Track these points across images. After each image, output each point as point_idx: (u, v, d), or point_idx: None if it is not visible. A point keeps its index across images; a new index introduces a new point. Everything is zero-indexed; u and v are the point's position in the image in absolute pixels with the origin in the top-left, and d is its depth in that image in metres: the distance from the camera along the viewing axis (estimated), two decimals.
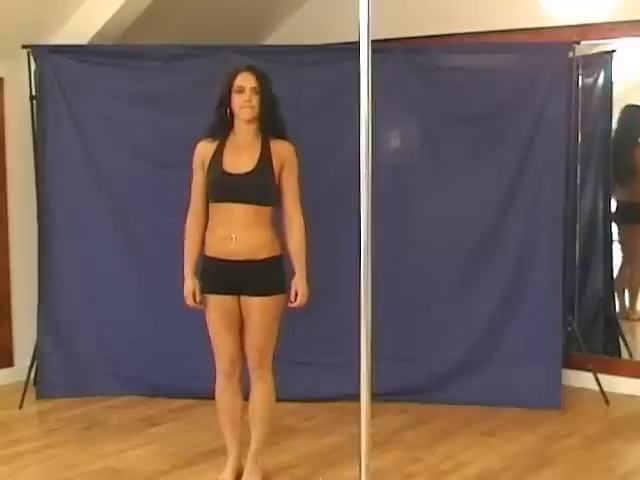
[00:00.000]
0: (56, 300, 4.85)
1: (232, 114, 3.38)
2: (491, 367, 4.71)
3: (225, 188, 3.35)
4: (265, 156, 3.35)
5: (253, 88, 3.32)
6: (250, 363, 3.56)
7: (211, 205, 3.41)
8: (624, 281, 5.48)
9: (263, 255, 3.39)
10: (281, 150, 3.38)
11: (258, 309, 3.43)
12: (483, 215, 4.74)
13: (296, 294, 3.43)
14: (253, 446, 3.62)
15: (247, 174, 3.32)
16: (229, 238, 3.34)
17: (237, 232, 3.33)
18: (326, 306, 4.40)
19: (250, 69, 3.36)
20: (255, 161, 3.34)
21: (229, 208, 3.33)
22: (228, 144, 3.40)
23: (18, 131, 5.01)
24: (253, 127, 3.38)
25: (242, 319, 3.48)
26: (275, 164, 3.36)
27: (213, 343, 3.53)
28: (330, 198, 4.64)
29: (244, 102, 3.32)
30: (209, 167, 3.40)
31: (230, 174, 3.34)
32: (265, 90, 3.33)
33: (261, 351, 3.52)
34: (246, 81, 3.34)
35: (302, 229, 3.45)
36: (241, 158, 3.36)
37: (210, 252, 3.43)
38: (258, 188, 3.33)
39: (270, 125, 3.37)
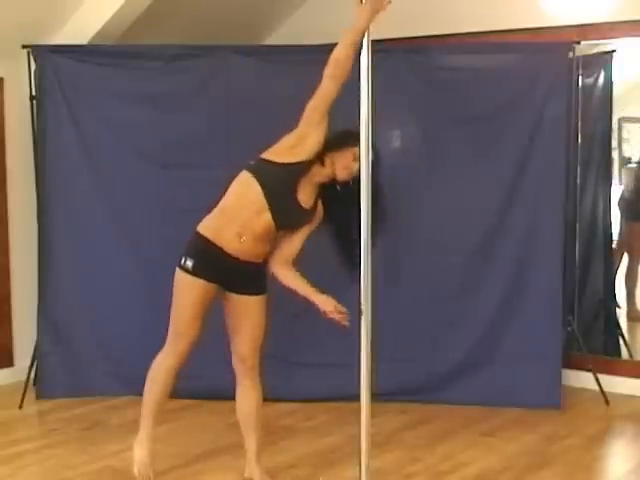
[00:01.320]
0: (56, 300, 4.85)
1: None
2: (491, 367, 4.71)
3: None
4: None
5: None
6: (243, 365, 3.56)
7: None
8: (633, 280, 5.49)
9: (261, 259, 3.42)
10: None
11: (257, 307, 3.44)
12: (483, 215, 4.74)
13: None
14: (254, 450, 3.62)
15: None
16: (240, 237, 3.32)
17: (248, 237, 3.32)
18: None
19: None
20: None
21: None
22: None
23: (18, 131, 5.02)
24: None
25: (228, 319, 3.49)
26: None
27: (178, 321, 3.46)
28: None
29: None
30: None
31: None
32: None
33: (257, 350, 3.54)
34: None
35: None
36: None
37: (218, 241, 3.36)
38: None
39: None
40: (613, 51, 5.07)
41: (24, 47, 4.71)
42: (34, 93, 4.81)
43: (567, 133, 4.70)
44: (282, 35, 5.79)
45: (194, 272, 3.34)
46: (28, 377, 4.78)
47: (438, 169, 4.76)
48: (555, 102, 4.61)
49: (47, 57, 4.76)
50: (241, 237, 3.31)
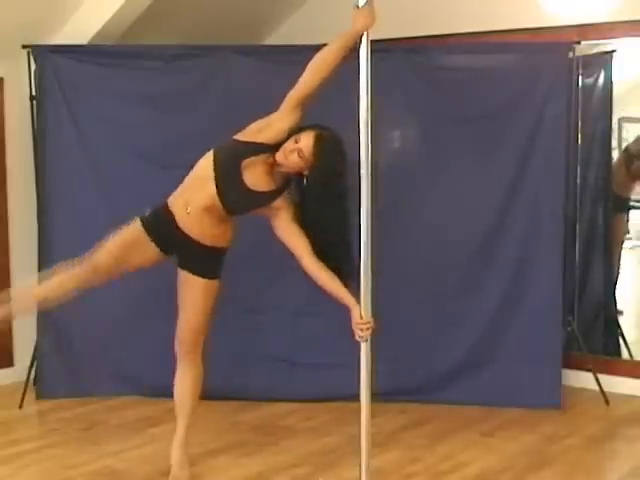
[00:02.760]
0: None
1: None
2: (491, 367, 4.71)
3: None
4: None
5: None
6: (180, 347, 3.58)
7: None
8: None
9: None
10: None
11: (202, 290, 3.44)
12: (483, 215, 4.74)
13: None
14: (181, 434, 3.65)
15: None
16: (185, 207, 3.35)
17: (193, 208, 3.33)
18: (326, 306, 4.40)
19: None
20: None
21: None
22: None
23: (18, 131, 5.02)
24: None
25: (178, 297, 3.52)
26: None
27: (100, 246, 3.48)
28: None
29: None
30: None
31: None
32: None
33: (195, 335, 3.54)
34: None
35: None
36: None
37: (172, 208, 3.39)
38: None
39: None
40: (613, 51, 5.07)
41: (24, 47, 4.71)
42: (34, 93, 4.81)
43: (567, 133, 4.69)
44: (282, 35, 5.79)
45: (144, 223, 3.39)
46: (28, 377, 4.78)
47: (438, 169, 4.76)
48: (555, 102, 4.61)
49: (47, 57, 4.76)
50: (187, 207, 3.32)
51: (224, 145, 3.34)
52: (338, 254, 3.25)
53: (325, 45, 3.23)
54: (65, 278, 3.51)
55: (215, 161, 3.28)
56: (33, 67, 4.77)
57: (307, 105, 3.28)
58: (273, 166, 3.28)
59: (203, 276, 3.43)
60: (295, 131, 3.23)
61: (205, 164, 3.32)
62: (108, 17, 4.84)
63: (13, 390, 4.83)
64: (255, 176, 3.27)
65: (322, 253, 3.25)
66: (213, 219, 3.34)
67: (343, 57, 3.14)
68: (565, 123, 4.66)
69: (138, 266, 3.49)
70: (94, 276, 3.49)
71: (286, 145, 3.21)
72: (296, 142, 3.19)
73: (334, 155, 3.19)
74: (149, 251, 3.41)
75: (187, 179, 3.40)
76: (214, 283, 3.46)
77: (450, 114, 4.71)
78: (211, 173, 3.27)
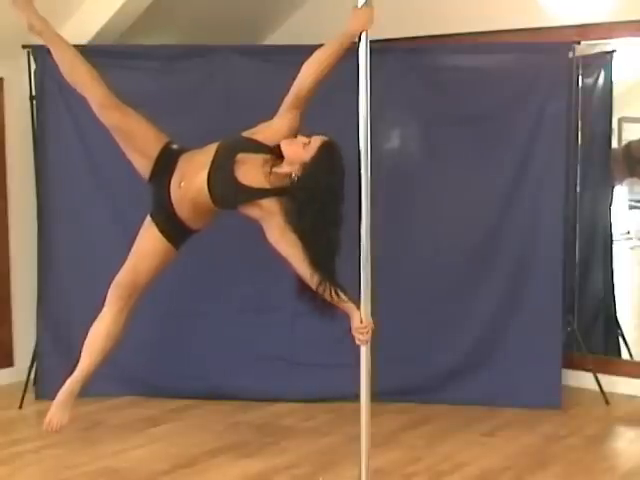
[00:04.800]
0: (56, 300, 4.85)
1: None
2: (491, 367, 4.71)
3: None
4: None
5: None
6: (118, 291, 3.60)
7: None
8: None
9: None
10: None
11: (155, 242, 3.48)
12: (483, 215, 4.74)
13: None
14: (82, 369, 3.66)
15: None
16: (180, 181, 3.37)
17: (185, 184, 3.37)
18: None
19: None
20: None
21: None
22: None
23: (18, 131, 5.02)
24: None
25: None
26: None
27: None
28: None
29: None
30: None
31: None
32: None
33: (137, 284, 3.57)
34: None
35: None
36: None
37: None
38: None
39: None
40: (613, 51, 5.07)
41: (24, 47, 4.71)
42: (34, 93, 4.81)
43: (567, 133, 4.69)
44: (282, 35, 5.79)
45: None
46: (28, 377, 4.78)
47: (437, 169, 4.76)
48: (555, 102, 4.61)
49: (47, 57, 4.72)
50: (181, 182, 3.33)
51: (230, 138, 3.37)
52: (327, 263, 3.16)
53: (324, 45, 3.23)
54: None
55: (216, 150, 3.30)
56: (33, 67, 4.77)
57: (305, 106, 3.27)
58: (270, 166, 3.22)
59: (169, 240, 3.43)
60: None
61: (209, 150, 3.33)
62: (108, 17, 4.84)
63: (13, 390, 4.83)
64: (248, 171, 3.22)
65: (314, 260, 3.15)
66: (200, 208, 3.33)
67: (339, 57, 3.13)
68: (565, 123, 4.66)
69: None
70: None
71: (296, 139, 3.19)
72: (307, 137, 3.18)
73: (330, 166, 3.12)
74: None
75: (191, 153, 3.42)
76: (173, 251, 3.47)
77: (450, 114, 4.71)
78: (209, 160, 3.27)
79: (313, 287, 3.11)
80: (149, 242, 3.47)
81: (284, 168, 3.19)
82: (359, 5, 3.05)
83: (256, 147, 3.26)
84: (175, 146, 3.49)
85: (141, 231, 3.52)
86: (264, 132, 3.28)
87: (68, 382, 3.63)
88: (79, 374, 3.63)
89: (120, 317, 3.61)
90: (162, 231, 3.42)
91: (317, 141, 3.14)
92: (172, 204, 3.37)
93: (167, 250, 3.46)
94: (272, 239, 3.21)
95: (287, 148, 3.18)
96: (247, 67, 4.75)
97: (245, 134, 3.34)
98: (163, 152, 3.46)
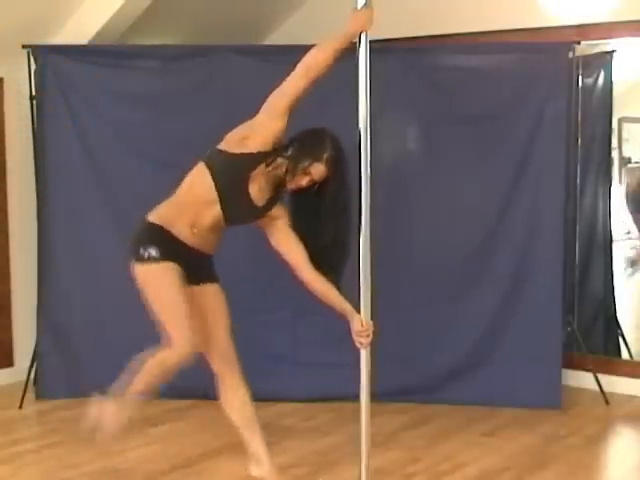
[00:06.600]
0: (56, 300, 4.85)
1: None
2: (491, 367, 4.71)
3: None
4: None
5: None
6: (226, 361, 3.39)
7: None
8: None
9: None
10: None
11: (221, 294, 3.34)
12: (483, 215, 4.74)
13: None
14: (265, 447, 3.48)
15: None
16: (192, 229, 3.19)
17: (198, 229, 3.20)
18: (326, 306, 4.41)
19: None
20: None
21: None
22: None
23: (18, 131, 5.02)
24: None
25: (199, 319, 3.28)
26: None
27: (170, 312, 3.15)
28: None
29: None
30: None
31: None
32: None
33: (231, 339, 3.39)
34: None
35: None
36: None
37: (171, 229, 3.20)
38: None
39: None
40: (613, 51, 5.08)
41: (24, 47, 4.71)
42: (34, 93, 4.81)
43: (567, 133, 4.69)
44: (282, 35, 5.79)
45: (163, 258, 3.12)
46: (28, 377, 4.78)
47: (438, 169, 4.76)
48: (555, 102, 4.61)
49: (47, 57, 4.76)
50: (193, 229, 3.18)
51: (215, 159, 3.15)
52: (333, 259, 3.17)
53: None
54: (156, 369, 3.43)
55: (217, 183, 3.11)
56: (33, 67, 4.77)
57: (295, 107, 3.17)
58: (269, 176, 3.13)
59: (217, 282, 3.33)
60: (289, 146, 3.10)
61: (203, 187, 3.14)
62: (108, 17, 4.84)
63: (13, 390, 4.83)
64: (259, 190, 3.15)
65: (316, 257, 3.15)
66: (216, 232, 3.24)
67: (337, 58, 3.11)
68: (565, 123, 4.66)
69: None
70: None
71: (297, 179, 3.07)
72: (306, 174, 3.07)
73: (343, 168, 3.10)
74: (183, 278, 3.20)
75: (180, 202, 3.21)
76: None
77: (450, 114, 4.71)
78: (215, 196, 3.11)
79: (313, 287, 3.14)
80: (218, 297, 3.33)
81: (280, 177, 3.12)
82: (359, 6, 3.04)
83: (254, 160, 3.09)
84: (148, 250, 3.17)
85: (204, 306, 3.29)
86: (254, 139, 3.09)
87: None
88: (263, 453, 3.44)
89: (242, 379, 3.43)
90: (215, 279, 3.32)
91: (319, 171, 3.07)
92: (192, 248, 3.21)
93: (220, 288, 3.36)
94: (275, 241, 3.21)
95: (298, 186, 3.11)
96: (247, 67, 4.75)
97: (225, 147, 3.14)
98: (170, 256, 3.16)
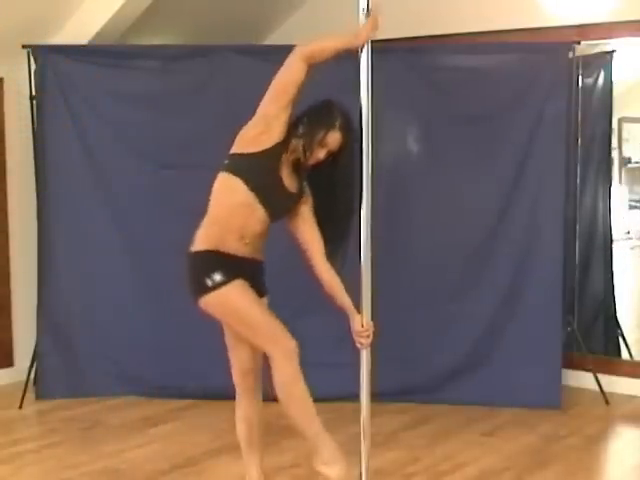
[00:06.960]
0: (56, 300, 4.85)
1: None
2: (491, 367, 4.71)
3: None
4: None
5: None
6: (253, 374, 3.57)
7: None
8: None
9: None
10: None
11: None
12: (483, 215, 4.74)
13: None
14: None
15: None
16: (243, 240, 3.14)
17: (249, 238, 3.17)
18: (326, 306, 4.40)
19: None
20: None
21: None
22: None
23: (18, 131, 5.02)
24: None
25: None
26: None
27: (258, 326, 3.17)
28: None
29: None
30: None
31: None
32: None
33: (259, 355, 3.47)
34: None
35: None
36: None
37: (224, 249, 3.12)
38: None
39: None
40: (613, 51, 5.08)
41: (24, 47, 4.71)
42: (34, 93, 4.81)
43: (567, 133, 4.69)
44: (282, 35, 5.79)
45: (230, 278, 3.04)
46: (28, 377, 4.78)
47: (438, 169, 4.76)
48: (555, 102, 4.61)
49: (47, 57, 4.76)
50: (244, 240, 3.12)
51: (239, 165, 3.11)
52: (346, 227, 3.18)
53: None
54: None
55: (250, 186, 3.07)
56: (33, 67, 4.77)
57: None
58: (289, 161, 3.15)
59: (267, 293, 3.29)
60: (299, 129, 3.12)
61: (239, 196, 3.09)
62: (108, 17, 4.84)
63: (13, 390, 4.83)
64: (290, 178, 3.16)
65: (332, 227, 3.19)
66: (263, 237, 3.21)
67: (334, 58, 3.11)
68: (565, 123, 4.66)
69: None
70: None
71: (315, 153, 3.09)
72: (322, 146, 3.09)
73: (354, 133, 3.10)
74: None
75: (222, 219, 3.12)
76: None
77: (450, 114, 4.71)
78: (254, 200, 3.08)
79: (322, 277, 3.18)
80: None
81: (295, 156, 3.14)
82: (359, 8, 3.04)
83: (277, 153, 3.10)
84: (213, 277, 3.06)
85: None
86: (270, 133, 3.08)
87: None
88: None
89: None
90: (266, 292, 3.28)
91: (335, 140, 3.10)
92: (248, 259, 3.16)
93: None
94: (295, 225, 3.21)
95: (317, 160, 3.13)
96: (247, 67, 4.75)
97: (243, 149, 3.13)
98: (237, 274, 3.09)
